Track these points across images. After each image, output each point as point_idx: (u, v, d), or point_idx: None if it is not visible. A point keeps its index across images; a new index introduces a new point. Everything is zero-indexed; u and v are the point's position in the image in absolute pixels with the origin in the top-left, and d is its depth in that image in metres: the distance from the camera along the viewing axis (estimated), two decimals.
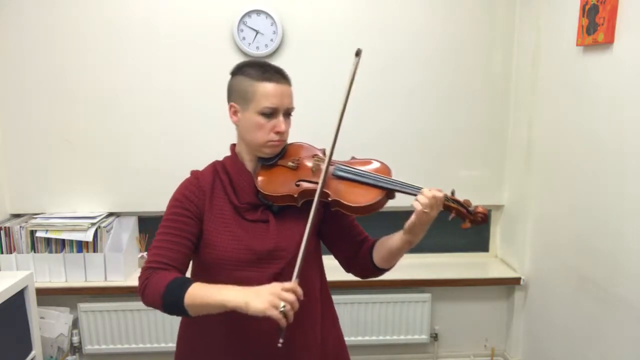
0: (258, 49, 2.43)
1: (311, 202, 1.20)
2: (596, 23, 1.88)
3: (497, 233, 2.83)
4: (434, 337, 2.73)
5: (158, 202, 2.53)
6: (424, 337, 2.66)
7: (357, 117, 2.53)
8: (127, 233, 2.59)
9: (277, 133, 1.24)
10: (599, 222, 1.95)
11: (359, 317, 2.60)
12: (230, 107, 1.28)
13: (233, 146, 1.34)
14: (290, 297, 1.05)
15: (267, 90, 1.22)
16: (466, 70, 2.56)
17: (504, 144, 2.66)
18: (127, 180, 2.55)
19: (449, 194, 1.20)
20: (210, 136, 2.50)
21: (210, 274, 1.23)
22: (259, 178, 1.27)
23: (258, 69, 1.24)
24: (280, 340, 1.07)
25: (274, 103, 1.22)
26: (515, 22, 2.53)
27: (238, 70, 1.27)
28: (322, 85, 2.48)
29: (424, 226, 1.17)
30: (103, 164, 2.53)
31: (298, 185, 1.25)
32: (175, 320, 2.59)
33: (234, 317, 1.13)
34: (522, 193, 2.53)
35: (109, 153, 2.52)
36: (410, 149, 2.61)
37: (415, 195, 1.18)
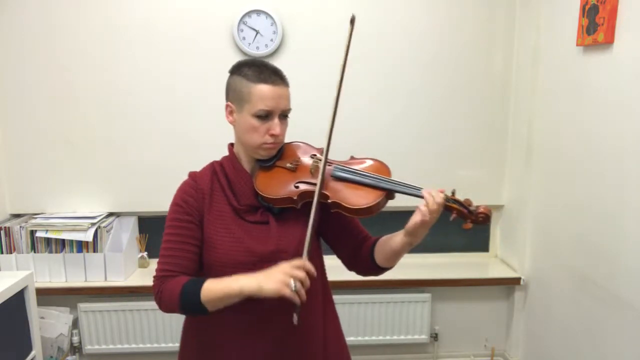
0: (258, 49, 2.43)
1: (311, 203, 1.20)
2: (596, 23, 1.88)
3: (497, 233, 2.83)
4: (434, 337, 2.73)
5: (158, 202, 2.56)
6: (424, 337, 2.66)
7: (357, 117, 2.53)
8: (127, 233, 2.59)
9: (272, 136, 1.23)
10: (599, 222, 1.95)
11: (359, 317, 2.60)
12: (227, 106, 1.28)
13: (231, 146, 1.34)
14: (301, 273, 1.08)
15: (262, 92, 1.20)
16: (466, 71, 2.56)
17: (504, 144, 2.66)
18: (127, 180, 2.55)
19: (449, 194, 1.20)
20: (211, 136, 2.49)
21: (211, 276, 1.23)
22: (258, 180, 1.27)
23: (255, 69, 1.22)
24: (295, 317, 1.11)
25: (269, 106, 1.21)
26: (515, 22, 2.53)
27: (236, 70, 1.26)
28: (322, 85, 2.48)
29: (426, 229, 1.17)
30: (103, 164, 2.53)
31: (297, 187, 1.24)
32: (175, 320, 2.61)
33: (242, 315, 1.17)
34: (522, 193, 2.53)
35: (109, 153, 2.52)
36: (411, 148, 2.61)
37: (416, 195, 1.18)
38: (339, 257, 1.39)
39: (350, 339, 2.61)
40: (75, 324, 2.57)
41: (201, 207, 1.26)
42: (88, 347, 2.55)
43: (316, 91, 2.46)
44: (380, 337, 2.65)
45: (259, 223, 1.27)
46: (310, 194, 1.22)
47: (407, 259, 3.00)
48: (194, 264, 1.25)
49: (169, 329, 2.55)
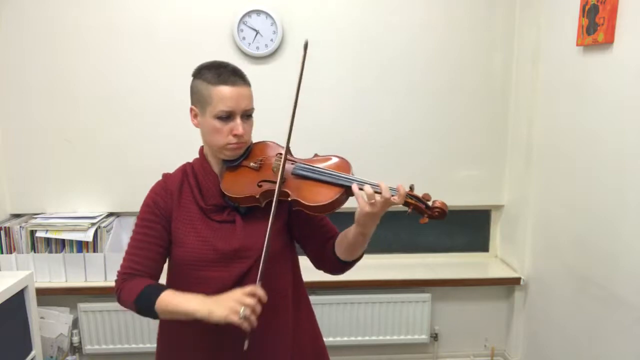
0: (258, 49, 2.43)
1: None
2: (596, 23, 1.88)
3: (497, 233, 2.83)
4: (434, 337, 2.73)
5: None
6: (424, 337, 2.66)
7: (357, 117, 2.53)
8: (127, 233, 2.59)
9: (235, 136, 1.24)
10: (599, 222, 1.95)
11: (359, 317, 2.60)
12: (191, 110, 1.29)
13: (202, 148, 1.35)
14: (250, 301, 1.09)
15: (222, 94, 1.21)
16: (466, 70, 2.56)
17: (504, 144, 2.66)
18: (127, 180, 2.55)
19: (407, 188, 1.17)
20: None
21: (179, 272, 1.28)
22: (224, 180, 1.29)
23: (214, 71, 1.23)
24: (246, 344, 1.12)
25: (229, 106, 1.22)
26: (515, 22, 2.53)
27: (197, 73, 1.27)
28: (322, 85, 2.48)
29: (374, 220, 1.15)
30: (103, 164, 2.53)
31: (260, 186, 1.26)
32: None
33: (202, 330, 1.19)
34: (522, 193, 2.53)
35: (109, 153, 2.52)
36: (410, 148, 2.61)
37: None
38: (307, 255, 1.39)
39: (350, 339, 2.61)
40: (75, 324, 2.57)
41: (169, 207, 1.29)
42: (88, 347, 2.55)
43: (316, 91, 2.47)
44: (380, 337, 2.65)
45: (226, 222, 1.28)
46: (272, 192, 1.23)
47: (407, 259, 3.01)
48: (157, 264, 1.29)
49: None
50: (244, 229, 1.27)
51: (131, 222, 2.62)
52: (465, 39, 2.53)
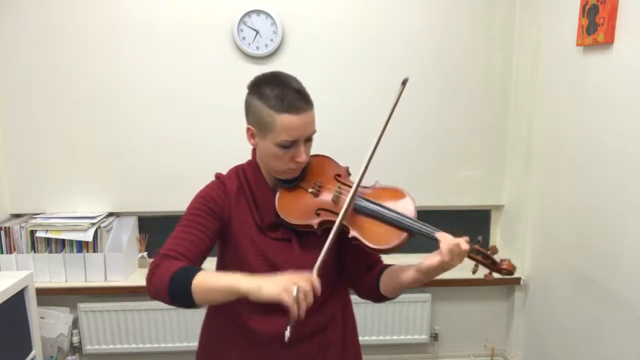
0: (258, 49, 2.43)
1: (331, 228, 1.15)
2: (596, 23, 1.88)
3: (497, 233, 2.83)
4: (434, 337, 2.73)
5: (158, 202, 2.57)
6: (424, 337, 2.66)
7: (356, 117, 2.53)
8: (127, 233, 2.59)
9: (297, 162, 1.19)
10: (599, 222, 1.95)
11: (359, 317, 2.56)
12: (248, 129, 1.22)
13: (254, 153, 1.29)
14: (306, 285, 1.00)
15: (287, 123, 1.13)
16: (466, 70, 2.56)
17: (504, 144, 2.65)
18: (127, 180, 2.55)
19: (475, 244, 1.14)
20: (210, 136, 2.50)
21: None
22: (280, 201, 1.23)
23: (277, 93, 1.13)
24: (287, 334, 1.02)
25: (294, 136, 1.14)
26: (515, 22, 2.53)
27: (256, 90, 1.18)
28: (322, 85, 2.48)
29: (442, 271, 1.11)
30: (103, 164, 2.53)
31: (318, 215, 1.21)
32: (175, 321, 2.61)
33: (247, 323, 1.17)
34: (522, 193, 2.53)
35: (109, 153, 2.52)
36: (410, 149, 2.60)
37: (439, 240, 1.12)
38: (346, 277, 1.35)
39: None
40: (75, 324, 2.57)
41: (227, 207, 1.24)
42: (88, 347, 2.55)
43: (316, 92, 2.45)
44: (380, 337, 2.65)
45: (281, 240, 1.25)
46: (330, 223, 1.17)
47: (408, 259, 2.99)
48: (201, 252, 1.19)
49: (169, 329, 2.55)
50: (300, 249, 1.23)
51: (131, 222, 2.62)
52: (465, 39, 2.53)
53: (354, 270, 1.32)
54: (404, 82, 1.19)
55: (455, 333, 2.77)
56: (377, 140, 1.22)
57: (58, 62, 2.43)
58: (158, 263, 1.13)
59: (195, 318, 2.53)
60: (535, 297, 2.50)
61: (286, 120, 1.13)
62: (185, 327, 2.55)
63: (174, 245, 1.16)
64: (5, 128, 2.48)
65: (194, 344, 2.55)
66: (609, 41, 1.82)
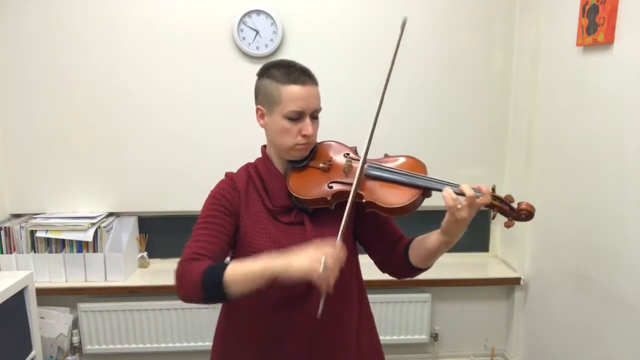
0: (258, 49, 2.43)
1: (345, 202, 1.16)
2: (596, 23, 1.88)
3: (497, 233, 2.83)
4: (434, 337, 2.73)
5: (158, 202, 2.57)
6: (424, 337, 2.66)
7: (356, 117, 2.53)
8: (127, 233, 2.59)
9: (304, 136, 1.22)
10: (599, 222, 1.95)
11: None
12: (257, 110, 1.27)
13: (264, 148, 1.33)
14: (331, 250, 1.03)
15: (292, 93, 1.19)
16: (466, 70, 2.56)
17: (504, 144, 2.66)
18: (127, 180, 2.55)
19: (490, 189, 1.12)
20: (210, 136, 2.50)
21: None
22: (291, 181, 1.25)
23: (283, 70, 1.21)
24: (320, 307, 1.04)
25: (300, 106, 1.20)
26: (515, 22, 2.53)
27: (264, 72, 1.25)
28: (322, 85, 2.48)
29: (460, 225, 1.10)
30: (103, 164, 2.53)
31: (330, 187, 1.22)
32: (175, 321, 2.61)
33: (267, 323, 1.21)
34: (522, 192, 2.53)
35: (109, 153, 2.52)
36: (411, 148, 2.56)
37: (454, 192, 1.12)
38: (372, 257, 1.36)
39: None
40: (75, 324, 2.56)
41: (237, 203, 1.26)
42: (88, 347, 2.55)
43: None
44: (380, 337, 2.62)
45: (294, 224, 1.26)
46: (344, 193, 1.19)
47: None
48: (222, 252, 1.22)
49: (169, 329, 2.55)
50: (314, 231, 1.25)
51: (131, 222, 2.62)
52: (465, 39, 2.53)
53: (379, 247, 1.33)
54: (403, 24, 1.22)
55: (455, 333, 2.77)
56: (382, 93, 1.27)
57: (58, 62, 2.43)
58: (184, 267, 1.15)
59: (195, 318, 2.53)
60: (535, 297, 2.50)
61: (291, 90, 1.19)
62: (185, 327, 2.55)
63: (196, 248, 1.19)
64: (5, 128, 2.49)
65: (194, 344, 2.58)
66: (609, 41, 1.82)
